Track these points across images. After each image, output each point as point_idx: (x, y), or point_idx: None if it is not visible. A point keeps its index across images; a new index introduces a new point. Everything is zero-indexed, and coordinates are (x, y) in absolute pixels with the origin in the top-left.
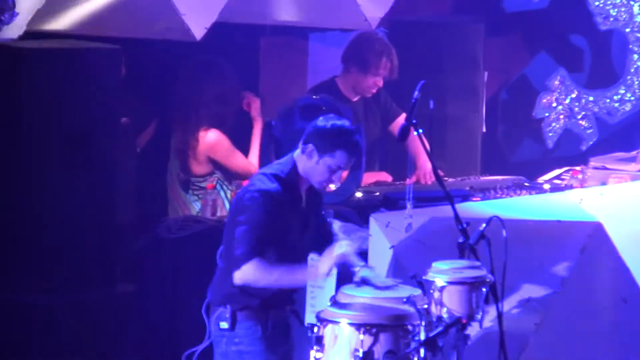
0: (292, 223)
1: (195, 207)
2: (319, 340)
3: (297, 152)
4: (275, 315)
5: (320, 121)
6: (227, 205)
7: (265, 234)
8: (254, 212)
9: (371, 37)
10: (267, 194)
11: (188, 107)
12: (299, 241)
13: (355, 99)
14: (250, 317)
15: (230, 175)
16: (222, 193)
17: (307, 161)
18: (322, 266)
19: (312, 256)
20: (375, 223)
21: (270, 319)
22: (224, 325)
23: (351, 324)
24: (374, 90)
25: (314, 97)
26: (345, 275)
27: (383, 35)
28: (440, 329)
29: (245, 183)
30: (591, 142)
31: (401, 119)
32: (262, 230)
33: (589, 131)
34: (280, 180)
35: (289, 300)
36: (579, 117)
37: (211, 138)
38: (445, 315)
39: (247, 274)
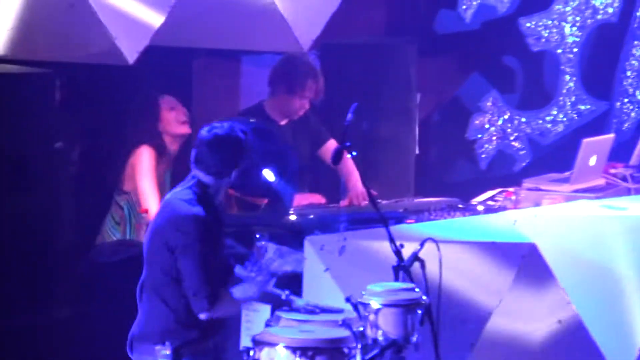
0: (219, 245)
1: (108, 228)
2: None
3: (201, 174)
4: (207, 347)
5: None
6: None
7: (209, 262)
8: (193, 243)
9: (296, 59)
10: (200, 220)
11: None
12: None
13: (283, 122)
14: (189, 352)
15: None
16: (127, 214)
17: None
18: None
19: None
20: (309, 246)
21: (206, 351)
22: None
23: (287, 347)
24: (301, 112)
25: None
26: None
27: (312, 57)
28: (376, 351)
29: (143, 210)
30: (524, 163)
31: (330, 143)
32: (207, 258)
33: (521, 152)
34: (199, 203)
35: (216, 331)
36: (512, 138)
37: (139, 150)
38: (380, 338)
39: (223, 310)
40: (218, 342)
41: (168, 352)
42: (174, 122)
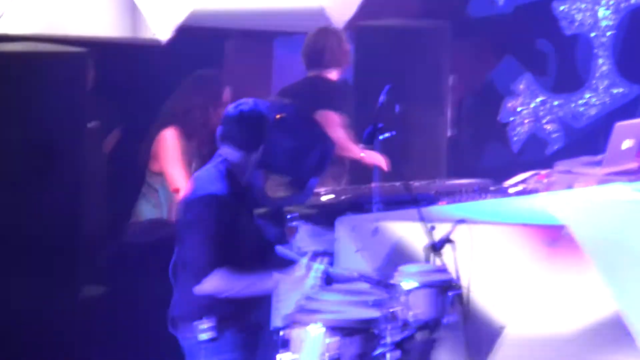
0: (242, 225)
1: (144, 209)
2: (286, 343)
3: (229, 152)
4: (248, 323)
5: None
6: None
7: (220, 241)
8: (204, 220)
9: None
10: (215, 198)
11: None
12: (254, 240)
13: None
14: (229, 326)
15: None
16: (162, 197)
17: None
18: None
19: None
20: (341, 227)
21: (246, 326)
22: (204, 336)
23: (319, 328)
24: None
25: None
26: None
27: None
28: (407, 332)
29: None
30: (556, 147)
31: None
32: (215, 241)
33: (554, 135)
34: (223, 182)
35: (256, 306)
36: (545, 121)
37: (165, 133)
38: (411, 319)
39: (210, 287)
40: (260, 317)
41: (207, 326)
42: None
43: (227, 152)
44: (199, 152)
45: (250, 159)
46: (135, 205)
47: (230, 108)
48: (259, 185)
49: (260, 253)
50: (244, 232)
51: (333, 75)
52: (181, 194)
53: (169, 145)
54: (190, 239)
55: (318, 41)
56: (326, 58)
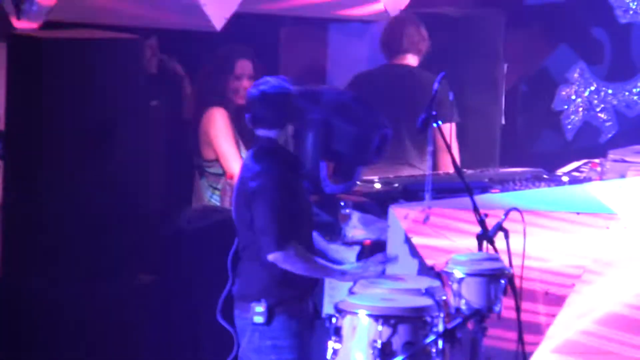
0: (302, 197)
1: (207, 196)
2: (337, 331)
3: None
4: (304, 309)
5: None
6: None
7: (286, 212)
8: (269, 191)
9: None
10: (268, 171)
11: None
12: (309, 216)
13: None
14: (285, 311)
15: None
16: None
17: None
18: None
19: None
20: (394, 214)
21: (302, 312)
22: (259, 319)
23: (370, 315)
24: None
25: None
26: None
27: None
28: (458, 320)
29: (229, 177)
30: (610, 135)
31: None
32: (280, 205)
33: (607, 124)
34: (275, 156)
35: (313, 293)
36: (598, 109)
37: (211, 113)
38: (463, 307)
39: (288, 259)
40: (317, 305)
41: (262, 309)
42: (234, 91)
43: (263, 133)
44: (242, 129)
45: (285, 134)
46: (198, 192)
47: (252, 90)
48: (313, 170)
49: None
50: (303, 209)
51: (413, 61)
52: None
53: (218, 125)
54: (261, 208)
55: (397, 29)
56: (405, 45)
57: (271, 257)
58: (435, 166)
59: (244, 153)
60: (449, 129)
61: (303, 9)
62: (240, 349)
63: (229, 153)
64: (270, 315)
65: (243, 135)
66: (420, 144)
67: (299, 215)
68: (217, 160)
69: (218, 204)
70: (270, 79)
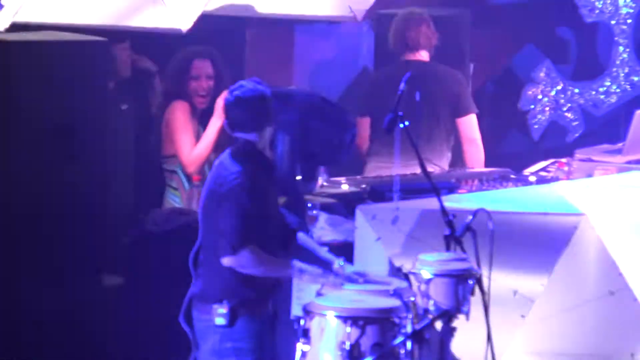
0: (270, 201)
1: (165, 194)
2: (306, 333)
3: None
4: (265, 310)
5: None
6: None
7: (251, 217)
8: (233, 193)
9: (407, 15)
10: (241, 174)
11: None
12: (277, 224)
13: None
14: (246, 312)
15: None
16: (182, 176)
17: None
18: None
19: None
20: (361, 215)
21: (262, 314)
22: (221, 321)
23: (338, 317)
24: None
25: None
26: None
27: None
28: (427, 321)
29: (196, 179)
30: (577, 134)
31: None
32: (249, 212)
33: (574, 123)
34: (249, 159)
35: (274, 294)
36: (565, 109)
37: (174, 106)
38: (431, 308)
39: (242, 260)
40: (276, 307)
41: (225, 310)
42: (193, 91)
43: (242, 135)
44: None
45: (265, 137)
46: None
47: (227, 96)
48: (284, 170)
49: (282, 238)
50: (270, 213)
51: (426, 56)
52: (191, 170)
53: (178, 116)
54: (227, 211)
55: (413, 25)
56: (421, 41)
57: (225, 260)
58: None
59: (213, 155)
60: (470, 121)
61: (268, 9)
62: (200, 351)
63: (184, 141)
64: (232, 316)
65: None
66: (436, 139)
67: (267, 218)
68: (172, 156)
69: (176, 203)
70: (245, 82)
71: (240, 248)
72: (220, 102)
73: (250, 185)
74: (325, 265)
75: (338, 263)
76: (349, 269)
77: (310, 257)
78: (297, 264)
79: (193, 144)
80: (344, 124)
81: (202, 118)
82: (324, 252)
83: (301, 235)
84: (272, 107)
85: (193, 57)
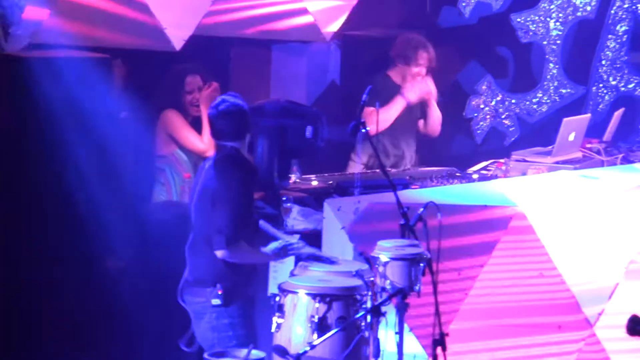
0: (253, 197)
1: (155, 189)
2: (280, 308)
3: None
4: (248, 291)
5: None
6: (175, 192)
7: (241, 214)
8: (230, 193)
9: (409, 36)
10: (235, 175)
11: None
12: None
13: (406, 85)
14: (238, 293)
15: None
16: (169, 174)
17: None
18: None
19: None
20: (328, 207)
21: (248, 293)
22: (217, 302)
23: (308, 294)
24: (419, 78)
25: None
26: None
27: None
28: (384, 298)
29: (187, 176)
30: (513, 138)
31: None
32: (240, 208)
33: (511, 129)
34: (239, 163)
35: (253, 277)
36: (503, 116)
37: (167, 113)
38: (388, 287)
39: (233, 256)
40: (255, 291)
41: (220, 292)
42: (188, 104)
43: (228, 143)
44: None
45: (244, 143)
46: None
47: (211, 110)
48: (264, 170)
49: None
50: (252, 210)
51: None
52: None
53: (175, 121)
54: (223, 208)
55: (416, 44)
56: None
57: (219, 253)
58: None
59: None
60: None
61: (250, 32)
62: (199, 329)
63: (190, 135)
64: (227, 297)
65: None
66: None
67: (251, 215)
68: (164, 156)
69: (162, 197)
70: (226, 97)
71: (232, 243)
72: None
73: (239, 188)
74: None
75: (296, 239)
76: (306, 249)
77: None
78: (271, 247)
79: (195, 134)
80: (314, 116)
81: (192, 124)
82: (280, 234)
83: (261, 222)
84: (250, 118)
85: (185, 73)
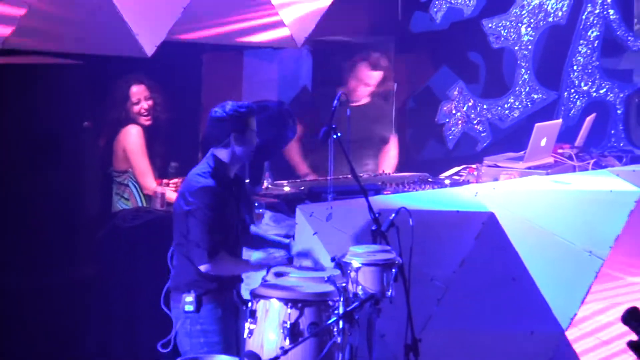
0: (229, 211)
1: (115, 201)
2: (253, 314)
3: (217, 150)
4: (228, 298)
5: (220, 112)
6: (140, 199)
7: (216, 228)
8: (202, 211)
9: (363, 57)
10: (209, 190)
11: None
12: (235, 225)
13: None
14: (211, 300)
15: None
16: (133, 189)
17: (235, 147)
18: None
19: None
20: (300, 213)
21: (225, 300)
22: (190, 308)
23: (280, 300)
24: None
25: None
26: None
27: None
28: (356, 304)
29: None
30: (485, 144)
31: None
32: (214, 224)
33: (483, 134)
34: (212, 176)
35: (237, 284)
36: (475, 122)
37: (127, 130)
38: (360, 292)
39: (216, 268)
40: (240, 294)
41: (192, 298)
42: (137, 114)
43: (217, 151)
44: (156, 145)
45: (236, 155)
46: (112, 201)
47: (212, 112)
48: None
49: (240, 234)
50: (232, 221)
51: None
52: (152, 189)
53: (134, 142)
54: (194, 225)
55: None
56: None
57: (202, 267)
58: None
59: (173, 168)
60: None
61: (221, 38)
62: (178, 334)
63: (142, 167)
64: (198, 304)
65: (156, 150)
66: None
67: (228, 223)
68: (124, 172)
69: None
70: (224, 103)
71: (215, 255)
72: None
73: (209, 203)
74: (277, 245)
75: (289, 240)
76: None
77: (263, 242)
78: (255, 256)
79: (149, 167)
80: (286, 109)
81: (151, 136)
82: (272, 236)
83: (252, 227)
84: (231, 124)
85: (129, 84)
